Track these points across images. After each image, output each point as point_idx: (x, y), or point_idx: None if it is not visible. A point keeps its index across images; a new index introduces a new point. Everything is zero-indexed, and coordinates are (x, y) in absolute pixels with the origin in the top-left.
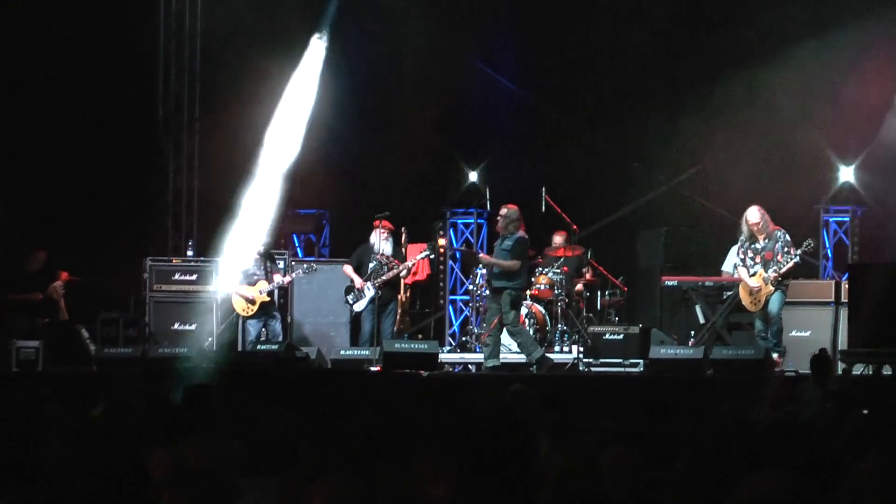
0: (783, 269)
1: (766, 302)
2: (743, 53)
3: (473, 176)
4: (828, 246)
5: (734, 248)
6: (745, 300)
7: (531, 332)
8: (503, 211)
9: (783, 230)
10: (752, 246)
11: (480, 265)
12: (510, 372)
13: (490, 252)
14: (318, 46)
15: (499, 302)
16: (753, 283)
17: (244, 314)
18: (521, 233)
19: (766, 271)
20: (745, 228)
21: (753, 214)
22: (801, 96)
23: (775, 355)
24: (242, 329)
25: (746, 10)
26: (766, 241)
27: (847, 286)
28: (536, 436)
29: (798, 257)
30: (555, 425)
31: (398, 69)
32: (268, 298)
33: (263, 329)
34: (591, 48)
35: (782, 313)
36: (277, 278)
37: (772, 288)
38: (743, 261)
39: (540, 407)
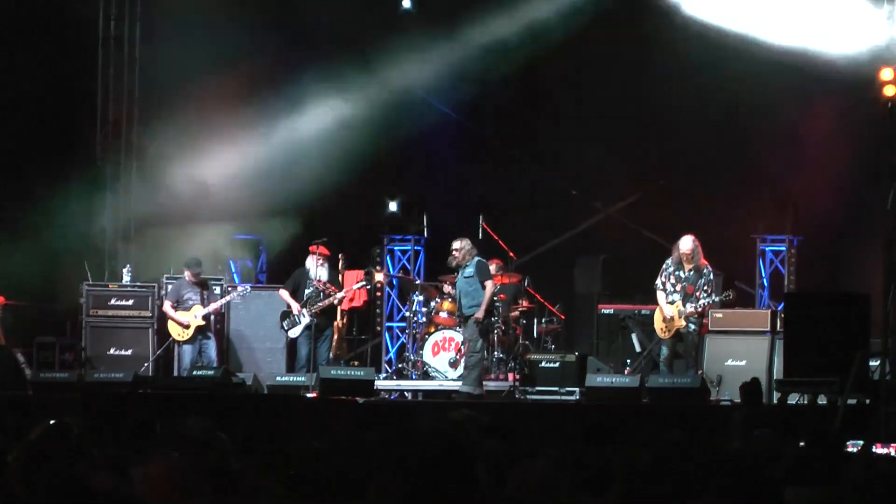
0: (699, 307)
1: (677, 332)
2: (683, 83)
3: (393, 206)
4: (764, 275)
5: None
6: (658, 325)
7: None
8: (457, 244)
9: (710, 268)
10: (677, 273)
11: (416, 292)
12: (449, 398)
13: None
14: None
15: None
16: (668, 312)
17: (179, 339)
18: (477, 257)
19: (684, 304)
20: (675, 254)
21: (686, 243)
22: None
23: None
24: (178, 354)
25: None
26: (692, 272)
27: (783, 315)
28: (476, 463)
29: (715, 299)
30: (496, 453)
31: (335, 93)
32: (203, 322)
33: (200, 353)
34: (529, 74)
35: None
36: (213, 305)
37: (684, 322)
38: (663, 284)
39: (481, 434)
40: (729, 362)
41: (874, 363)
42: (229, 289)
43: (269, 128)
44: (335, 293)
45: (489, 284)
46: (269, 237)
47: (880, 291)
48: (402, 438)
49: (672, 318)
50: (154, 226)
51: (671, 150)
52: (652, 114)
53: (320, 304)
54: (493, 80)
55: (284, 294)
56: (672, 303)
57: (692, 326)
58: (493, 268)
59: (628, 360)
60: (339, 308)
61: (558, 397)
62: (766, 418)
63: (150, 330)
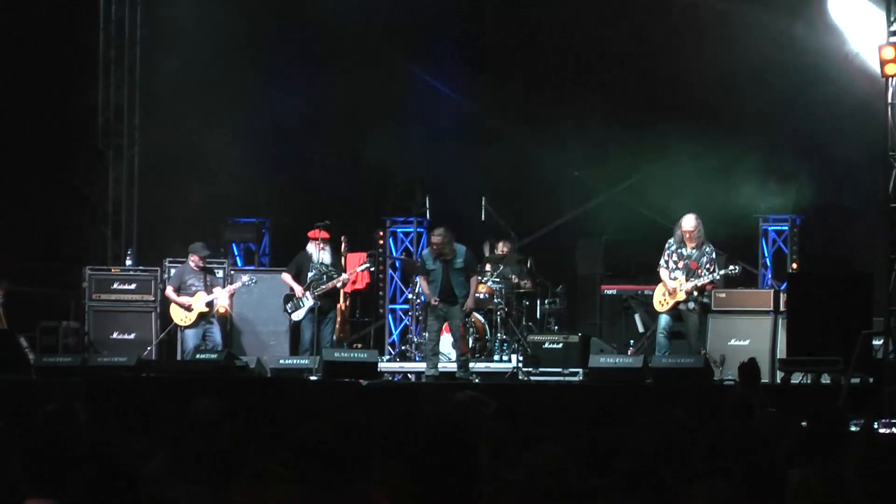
0: (700, 283)
1: (676, 309)
2: (680, 64)
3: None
4: (766, 255)
5: None
6: (657, 297)
7: (471, 342)
8: (437, 239)
9: (712, 246)
10: (679, 251)
11: (417, 275)
12: (452, 381)
13: (445, 269)
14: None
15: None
16: (670, 283)
17: (182, 324)
18: (462, 246)
19: (687, 281)
20: (677, 233)
21: (689, 221)
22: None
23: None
24: (181, 338)
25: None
26: (694, 250)
27: (786, 295)
28: (479, 446)
29: (718, 276)
30: (500, 435)
31: (338, 76)
32: (206, 309)
33: (203, 338)
34: (530, 56)
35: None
36: (217, 290)
37: (684, 296)
38: (666, 262)
39: (486, 416)
40: (732, 342)
41: (877, 342)
42: (232, 273)
43: (269, 111)
44: (338, 276)
45: (475, 279)
46: (271, 220)
47: (883, 270)
48: (406, 420)
49: (674, 290)
50: (155, 209)
51: (673, 130)
52: (654, 95)
53: (323, 286)
54: (494, 60)
55: (287, 277)
56: (675, 279)
57: (692, 304)
58: (500, 245)
59: (631, 341)
60: (342, 291)
61: (562, 378)
62: (761, 399)
63: (153, 314)
